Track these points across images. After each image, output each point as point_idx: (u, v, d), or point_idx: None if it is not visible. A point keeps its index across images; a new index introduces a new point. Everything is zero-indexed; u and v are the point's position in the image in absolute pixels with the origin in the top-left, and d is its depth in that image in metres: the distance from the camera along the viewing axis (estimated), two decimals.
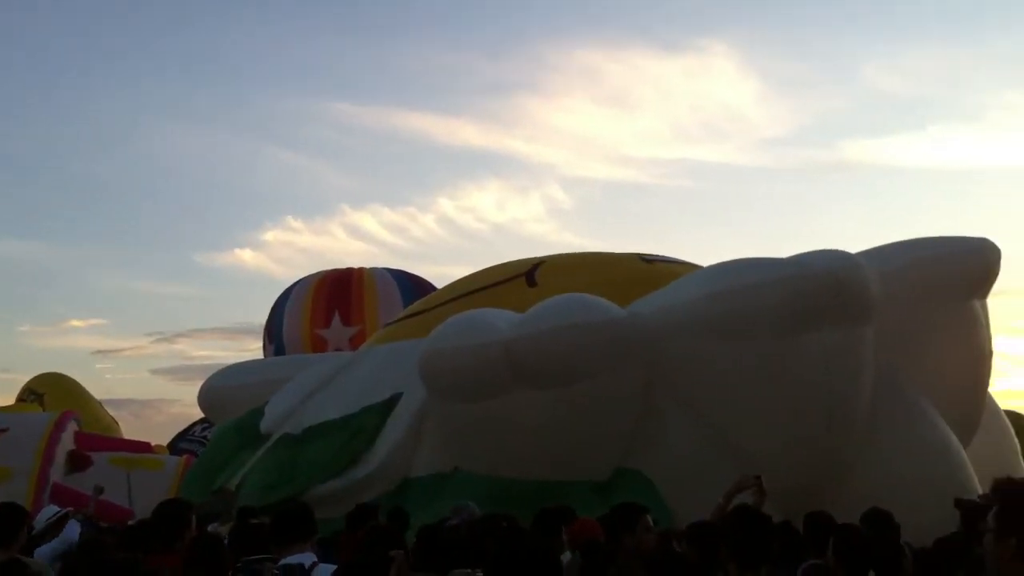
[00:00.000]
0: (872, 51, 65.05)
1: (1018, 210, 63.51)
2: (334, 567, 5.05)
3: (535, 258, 13.59)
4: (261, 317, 28.12)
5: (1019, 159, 66.35)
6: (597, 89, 64.94)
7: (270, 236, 63.17)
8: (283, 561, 5.03)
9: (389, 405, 11.30)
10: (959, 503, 7.51)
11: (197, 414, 21.51)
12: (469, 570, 4.02)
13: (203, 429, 22.59)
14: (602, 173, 65.58)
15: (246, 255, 62.67)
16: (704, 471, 9.08)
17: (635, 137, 64.28)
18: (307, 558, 5.27)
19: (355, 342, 22.20)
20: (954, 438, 9.96)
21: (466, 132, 64.56)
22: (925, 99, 64.47)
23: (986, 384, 11.47)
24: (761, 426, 9.43)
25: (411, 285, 25.70)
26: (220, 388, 14.57)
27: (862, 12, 63.57)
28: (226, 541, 5.75)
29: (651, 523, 5.55)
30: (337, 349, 22.53)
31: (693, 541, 5.23)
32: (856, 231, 66.63)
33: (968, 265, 10.85)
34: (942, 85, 63.20)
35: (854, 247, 10.18)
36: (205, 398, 14.87)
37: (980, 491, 8.85)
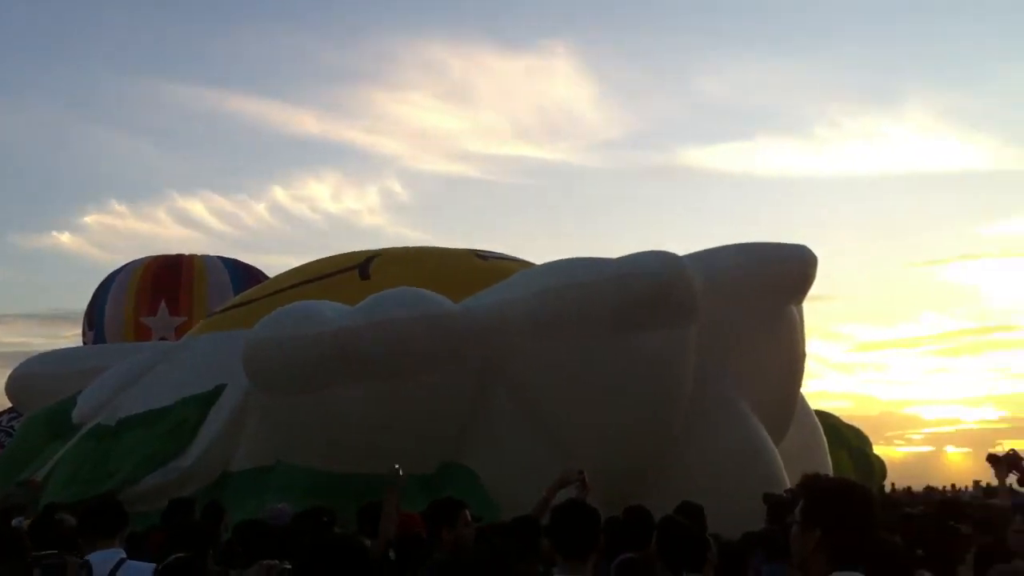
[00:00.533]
0: (707, 62, 67.47)
1: (835, 219, 67.11)
2: (144, 564, 4.84)
3: (369, 251, 13.47)
4: (78, 303, 26.99)
5: (839, 171, 70.04)
6: (439, 83, 65.02)
7: (91, 219, 60.43)
8: (86, 558, 4.79)
9: (211, 397, 10.96)
10: (767, 498, 7.82)
11: (4, 403, 20.30)
12: (276, 561, 3.91)
13: (10, 419, 21.33)
14: (441, 168, 65.76)
15: (64, 238, 59.74)
16: (531, 466, 9.13)
17: (475, 133, 64.72)
18: (115, 554, 5.02)
19: (181, 332, 21.44)
20: (767, 436, 10.35)
21: (304, 120, 63.53)
22: (755, 110, 67.26)
23: (799, 385, 11.99)
24: (587, 422, 9.58)
25: (244, 274, 25.01)
26: (31, 376, 13.86)
27: (699, 23, 65.83)
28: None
29: (470, 518, 5.55)
30: (162, 338, 21.70)
31: (514, 535, 5.25)
32: (684, 234, 69.00)
33: (786, 270, 11.29)
34: (772, 97, 66.07)
35: (681, 249, 10.49)
36: (14, 386, 14.12)
37: (790, 486, 9.22)
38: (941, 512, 6.99)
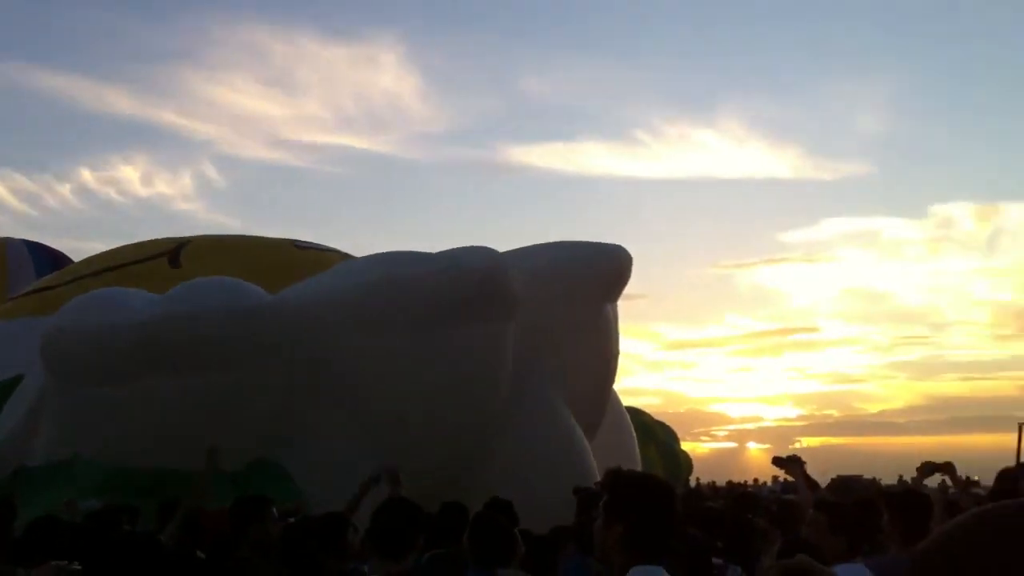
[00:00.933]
0: (534, 61, 68.64)
1: (650, 220, 69.62)
2: None
3: (181, 238, 13.03)
4: None
5: (655, 174, 72.73)
6: (260, 68, 63.64)
7: None
8: None
9: (7, 387, 10.37)
10: (577, 491, 7.97)
11: None
12: (66, 561, 3.71)
13: None
14: (260, 154, 64.40)
15: None
16: (346, 462, 9.03)
17: (296, 120, 63.72)
18: None
19: None
20: (579, 432, 10.56)
21: (115, 99, 60.93)
22: (578, 111, 68.92)
23: (612, 382, 12.28)
24: (405, 417, 9.54)
25: (48, 259, 23.68)
26: None
27: (528, 23, 66.80)
28: None
29: (276, 514, 5.44)
30: None
31: (322, 531, 5.16)
32: (504, 230, 70.14)
33: (603, 269, 11.53)
34: (595, 100, 67.84)
35: (501, 246, 10.57)
36: None
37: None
38: (739, 506, 7.31)
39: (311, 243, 13.46)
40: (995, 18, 74.15)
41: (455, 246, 10.07)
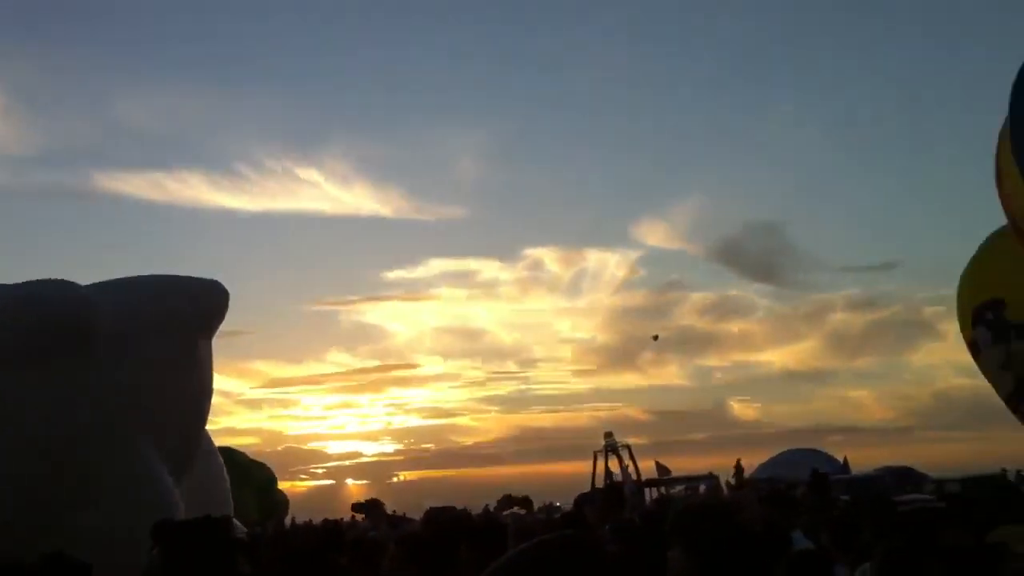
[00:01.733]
0: (129, 85, 65.65)
1: (250, 255, 68.88)
2: None
3: None
4: None
5: (256, 208, 72.23)
6: None
7: None
8: None
9: None
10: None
11: None
12: None
13: None
14: None
15: None
16: None
17: None
18: None
19: None
20: (167, 477, 10.09)
21: None
22: (176, 140, 66.76)
23: (204, 422, 11.90)
24: None
25: None
26: None
27: (125, 45, 63.81)
28: None
29: None
30: None
31: None
32: (93, 262, 66.16)
33: (197, 304, 11.17)
34: (195, 129, 66.03)
35: (90, 278, 10.07)
36: None
37: None
38: (325, 544, 7.39)
39: None
40: (591, 76, 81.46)
41: (35, 278, 9.39)
